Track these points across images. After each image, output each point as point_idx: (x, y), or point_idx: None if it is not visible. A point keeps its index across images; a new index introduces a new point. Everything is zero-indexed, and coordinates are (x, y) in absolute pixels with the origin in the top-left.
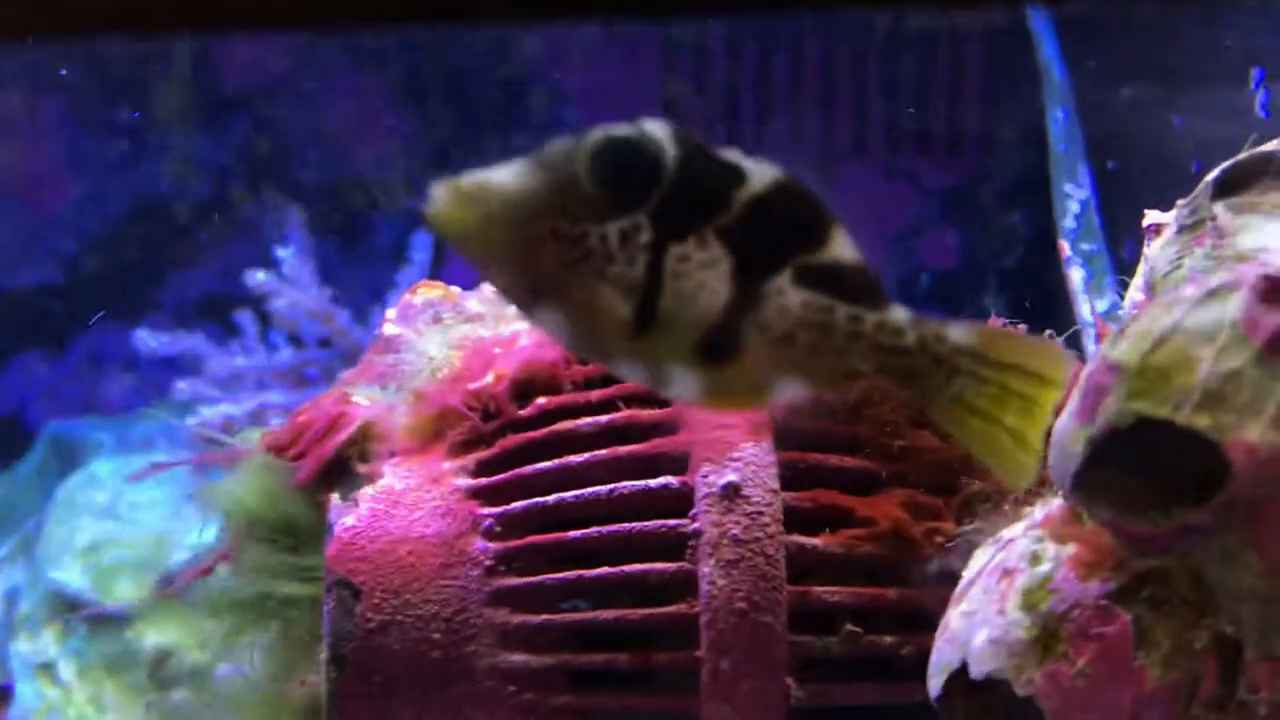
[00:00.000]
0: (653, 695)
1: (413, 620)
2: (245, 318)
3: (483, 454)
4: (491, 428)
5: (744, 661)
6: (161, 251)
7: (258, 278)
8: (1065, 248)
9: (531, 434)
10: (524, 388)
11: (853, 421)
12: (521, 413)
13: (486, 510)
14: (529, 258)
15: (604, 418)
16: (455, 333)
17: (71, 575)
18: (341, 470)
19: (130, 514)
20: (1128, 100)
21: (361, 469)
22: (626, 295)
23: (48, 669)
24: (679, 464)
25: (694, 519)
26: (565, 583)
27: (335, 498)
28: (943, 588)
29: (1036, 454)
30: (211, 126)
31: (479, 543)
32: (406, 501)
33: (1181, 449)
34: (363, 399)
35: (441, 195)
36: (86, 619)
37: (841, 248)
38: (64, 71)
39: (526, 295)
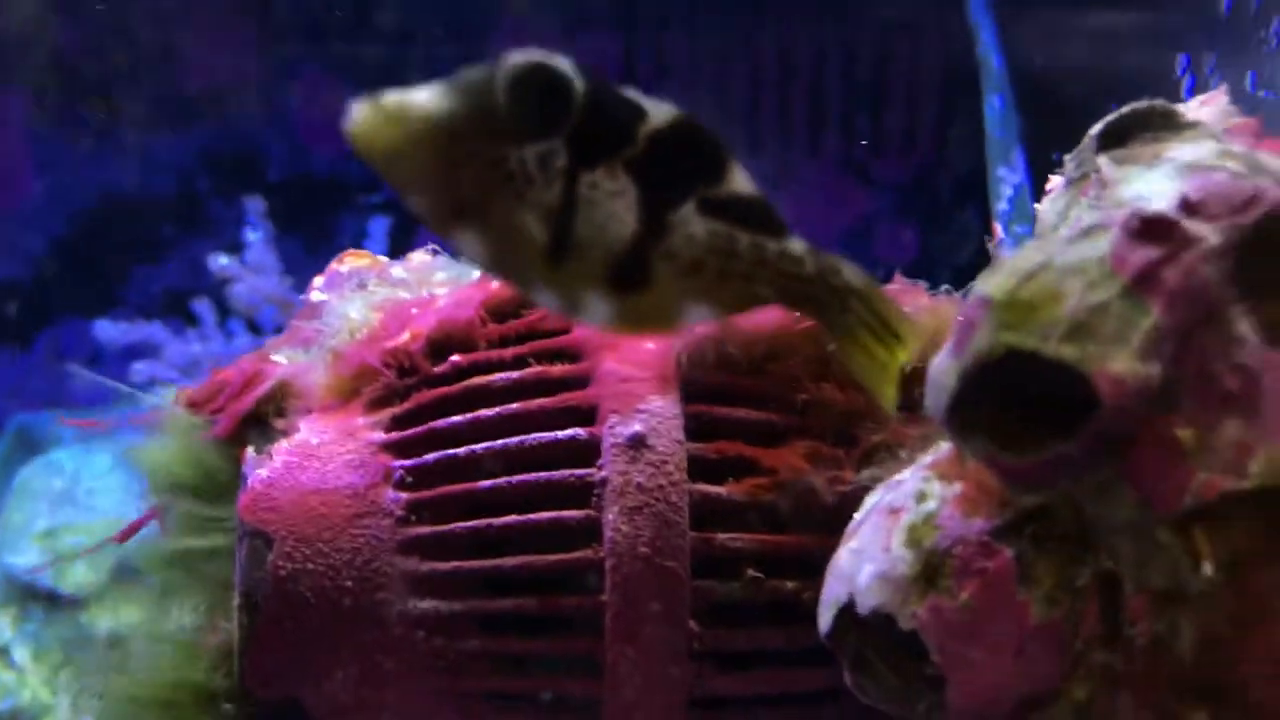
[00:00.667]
0: (560, 639)
1: (324, 568)
2: (203, 306)
3: (397, 409)
4: (406, 384)
5: (647, 605)
6: (125, 247)
7: (220, 262)
8: (999, 230)
9: (445, 389)
10: (439, 346)
11: (757, 375)
12: (436, 369)
13: (399, 462)
14: (450, 179)
15: (515, 373)
16: (377, 296)
17: (28, 559)
18: (258, 425)
19: (87, 500)
20: None
21: (278, 425)
22: (543, 219)
23: (2, 653)
24: (587, 416)
25: (600, 468)
26: (474, 531)
27: (250, 451)
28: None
29: (894, 385)
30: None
31: (390, 493)
32: (320, 455)
33: (1052, 382)
34: (282, 359)
35: (362, 113)
36: (42, 603)
37: (740, 182)
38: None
39: (447, 217)
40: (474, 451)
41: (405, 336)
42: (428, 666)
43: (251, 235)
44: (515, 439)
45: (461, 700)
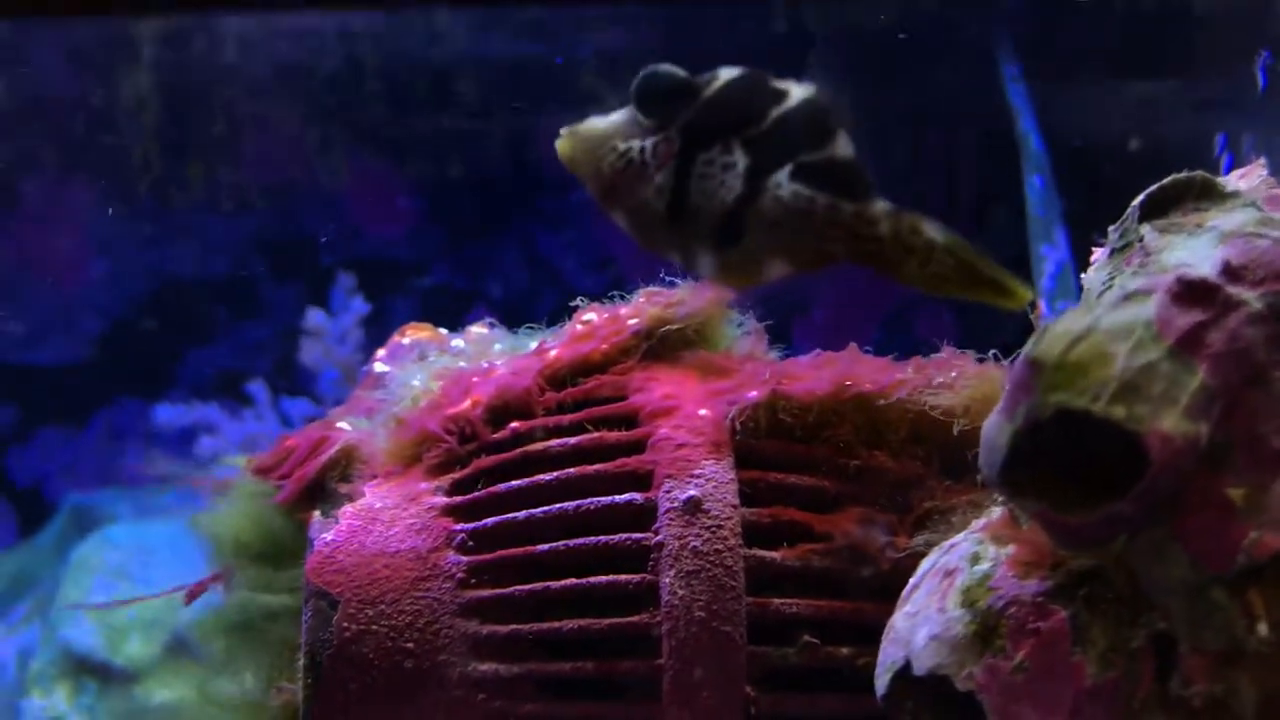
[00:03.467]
0: (617, 703)
1: (387, 630)
2: (257, 387)
3: (457, 474)
4: (466, 450)
5: (704, 669)
6: (181, 329)
7: (316, 316)
8: (1042, 306)
9: (504, 455)
10: (499, 412)
11: (809, 442)
12: (495, 435)
13: (459, 526)
14: (599, 173)
15: (573, 439)
16: (438, 365)
17: (83, 634)
18: (323, 491)
19: (142, 574)
20: None
21: (342, 489)
22: (659, 192)
23: None
24: (644, 481)
25: (656, 532)
26: (533, 594)
27: (316, 515)
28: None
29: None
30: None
31: (451, 556)
32: (383, 518)
33: (1102, 443)
34: (346, 425)
35: (563, 133)
36: (97, 677)
37: (841, 148)
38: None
39: (602, 199)
40: (533, 515)
41: (466, 404)
42: None
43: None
44: (572, 503)
45: None
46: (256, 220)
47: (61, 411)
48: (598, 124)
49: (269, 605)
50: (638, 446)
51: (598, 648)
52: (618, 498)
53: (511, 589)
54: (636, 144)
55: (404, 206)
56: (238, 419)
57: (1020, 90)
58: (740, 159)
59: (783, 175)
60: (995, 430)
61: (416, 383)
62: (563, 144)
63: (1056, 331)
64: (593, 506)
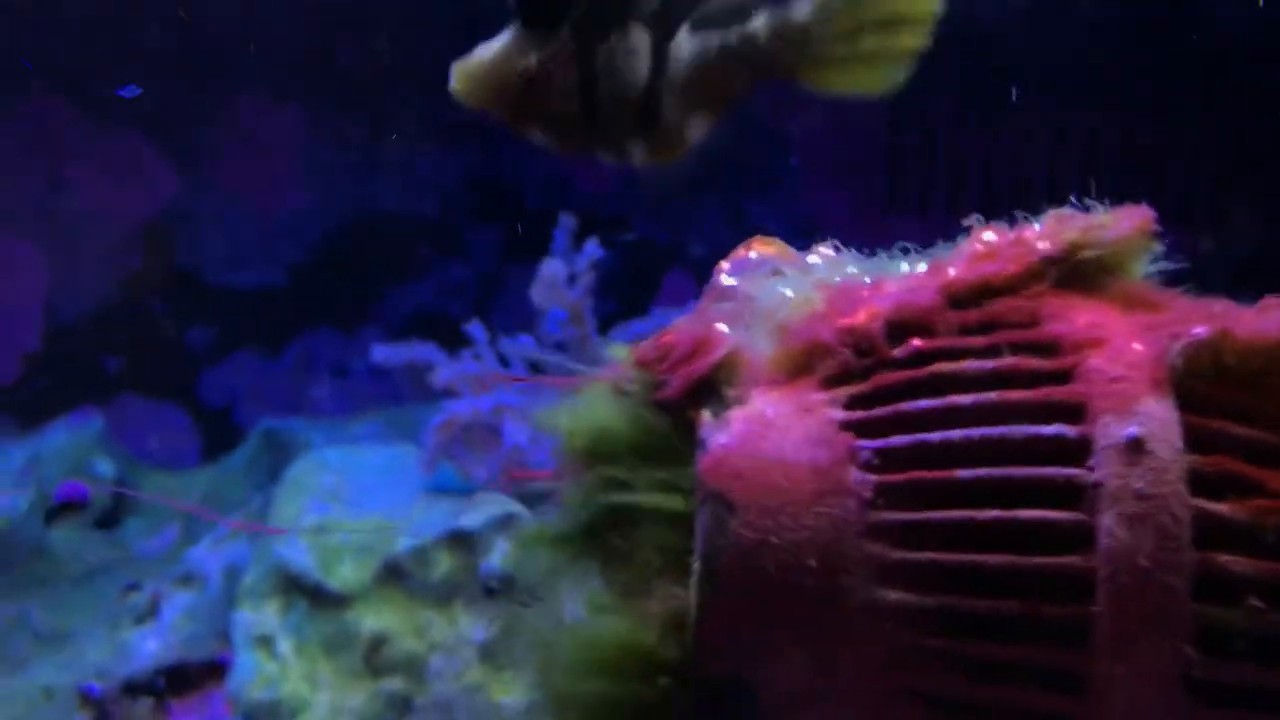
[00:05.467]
0: (1040, 649)
1: (787, 544)
2: (475, 327)
3: (855, 388)
4: (864, 364)
5: (1144, 621)
6: (381, 263)
7: (552, 261)
8: None
9: (910, 372)
10: (897, 328)
11: (1252, 390)
12: (896, 352)
13: (864, 443)
14: (503, 98)
15: (990, 362)
16: (810, 277)
17: (296, 553)
18: (711, 391)
19: (356, 499)
20: None
21: (730, 393)
22: (569, 98)
23: (267, 642)
24: (1072, 413)
25: (1092, 469)
26: (950, 522)
27: (706, 414)
28: None
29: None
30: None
31: (856, 474)
32: (779, 426)
33: None
34: (725, 328)
35: (453, 72)
36: (307, 597)
37: None
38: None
39: (517, 126)
40: (949, 439)
41: (861, 316)
42: (889, 662)
43: (564, 250)
44: (995, 429)
45: (921, 703)
46: (465, 160)
47: (256, 336)
48: (485, 53)
49: (639, 503)
50: (1063, 376)
51: (1021, 586)
52: (1044, 428)
53: (925, 514)
54: (533, 59)
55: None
56: (455, 357)
57: None
58: (640, 40)
59: (682, 36)
60: None
61: (790, 292)
62: (459, 81)
63: None
64: (1018, 435)
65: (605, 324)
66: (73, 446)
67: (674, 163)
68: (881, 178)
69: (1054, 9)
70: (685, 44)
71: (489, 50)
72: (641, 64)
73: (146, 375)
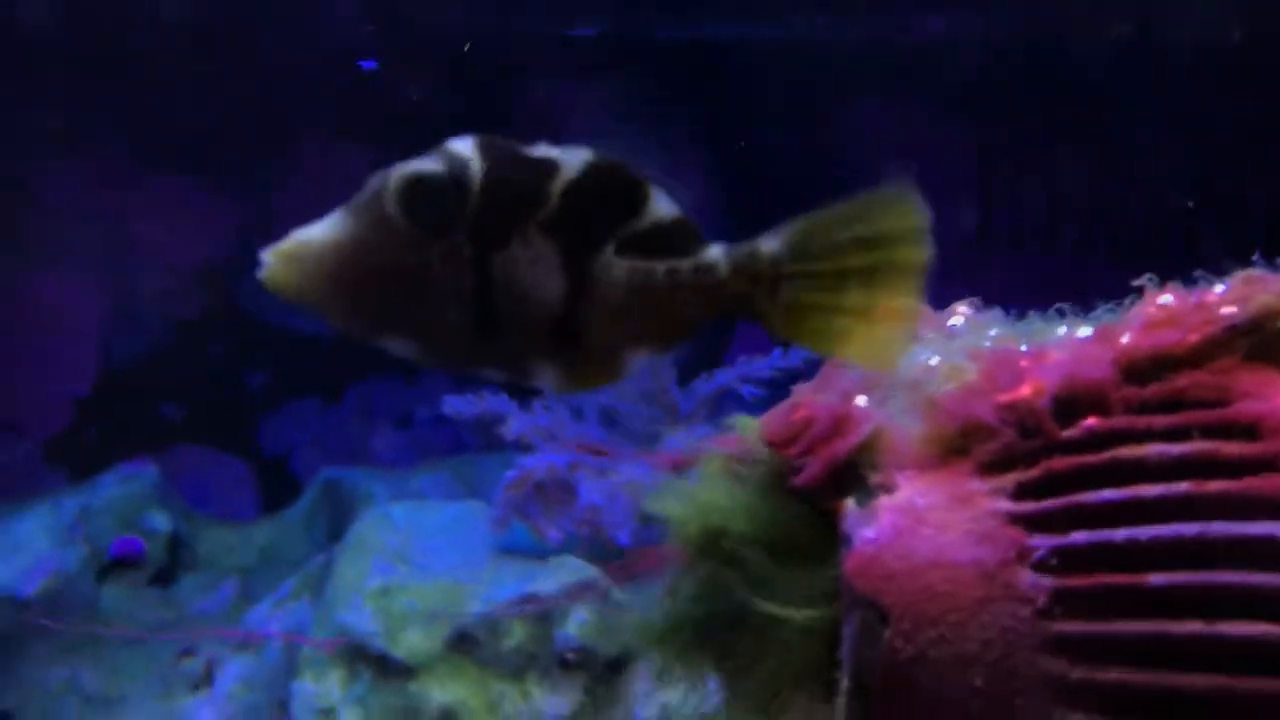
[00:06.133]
0: None
1: (949, 658)
2: None
3: (1021, 474)
4: (1031, 446)
5: None
6: None
7: None
8: None
9: (1085, 457)
10: (1066, 404)
11: None
12: (1067, 433)
13: (1036, 540)
14: (358, 298)
15: (1177, 447)
16: (955, 342)
17: (361, 619)
18: (851, 476)
19: (423, 560)
20: None
21: (873, 479)
22: (462, 307)
23: (329, 715)
24: (1278, 509)
25: None
26: (1143, 636)
27: (852, 504)
28: None
29: (893, 328)
30: None
31: (1029, 576)
32: (932, 520)
33: None
34: (864, 402)
35: (268, 260)
36: (372, 667)
37: (658, 208)
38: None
39: (370, 331)
40: (1136, 538)
41: (1026, 390)
42: None
43: None
44: (1192, 526)
45: None
46: None
47: (316, 383)
48: (316, 239)
49: (768, 609)
50: (1267, 465)
51: (1228, 714)
52: (1250, 527)
53: (1113, 626)
54: (414, 258)
55: (693, 194)
56: (526, 409)
57: None
58: (546, 249)
59: (608, 255)
60: None
61: (936, 361)
62: (275, 270)
63: None
64: (1219, 535)
65: (682, 372)
66: (126, 498)
67: (597, 388)
68: (973, 211)
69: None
70: (615, 264)
71: (320, 236)
72: (552, 278)
73: (203, 422)
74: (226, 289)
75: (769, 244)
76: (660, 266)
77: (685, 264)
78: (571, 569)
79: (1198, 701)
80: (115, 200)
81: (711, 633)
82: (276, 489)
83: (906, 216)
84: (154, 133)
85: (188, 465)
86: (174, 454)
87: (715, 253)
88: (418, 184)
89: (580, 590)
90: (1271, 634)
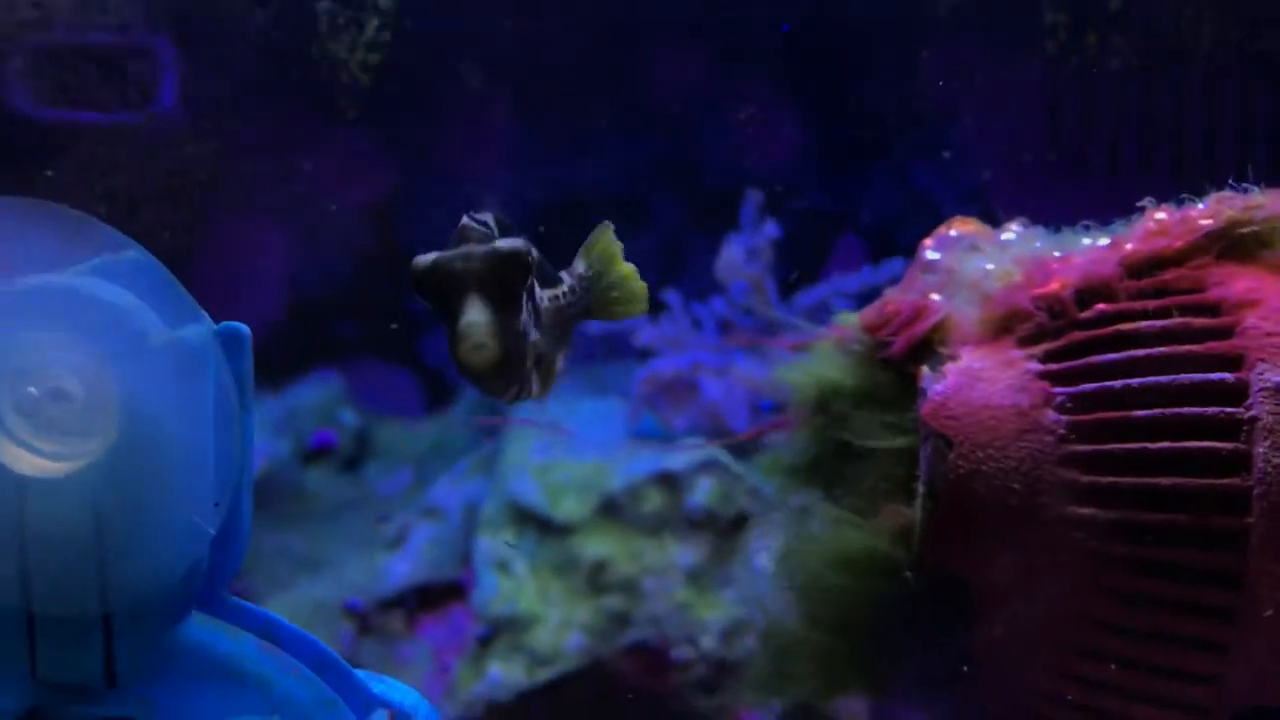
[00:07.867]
0: (1204, 552)
1: (994, 471)
2: (673, 295)
3: (1050, 345)
4: (1057, 325)
5: None
6: (577, 236)
7: (734, 240)
8: None
9: (1096, 331)
10: (1085, 295)
11: None
12: (1084, 315)
13: (1058, 390)
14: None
15: (1161, 322)
16: (1007, 252)
17: (527, 489)
18: (928, 350)
19: (573, 443)
20: None
21: (943, 351)
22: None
23: (505, 565)
24: (1232, 363)
25: (1248, 408)
26: (1130, 452)
27: (926, 369)
28: None
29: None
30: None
31: (1051, 414)
32: (985, 377)
33: None
34: (938, 297)
35: (486, 344)
36: (537, 526)
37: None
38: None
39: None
40: (1129, 385)
41: (1054, 285)
42: (1078, 564)
43: (740, 223)
44: (1167, 377)
45: (1104, 596)
46: (650, 143)
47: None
48: (486, 317)
49: (877, 442)
50: (1224, 333)
51: (1189, 503)
52: (1210, 375)
53: (1110, 446)
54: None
55: (787, 134)
56: (654, 323)
57: None
58: (523, 304)
59: (542, 297)
60: None
61: (990, 265)
62: (492, 351)
63: None
64: (1186, 382)
65: (784, 287)
66: (321, 401)
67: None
68: (1044, 144)
69: None
70: (545, 300)
71: (486, 312)
72: (529, 324)
73: (375, 340)
74: (389, 228)
75: (579, 265)
76: (560, 293)
77: (563, 289)
78: (697, 450)
79: (1167, 495)
80: (295, 152)
81: (824, 465)
82: (437, 394)
83: (610, 240)
84: (326, 93)
85: (364, 374)
86: (352, 365)
87: (568, 278)
88: (422, 276)
89: (704, 465)
90: (1218, 448)
